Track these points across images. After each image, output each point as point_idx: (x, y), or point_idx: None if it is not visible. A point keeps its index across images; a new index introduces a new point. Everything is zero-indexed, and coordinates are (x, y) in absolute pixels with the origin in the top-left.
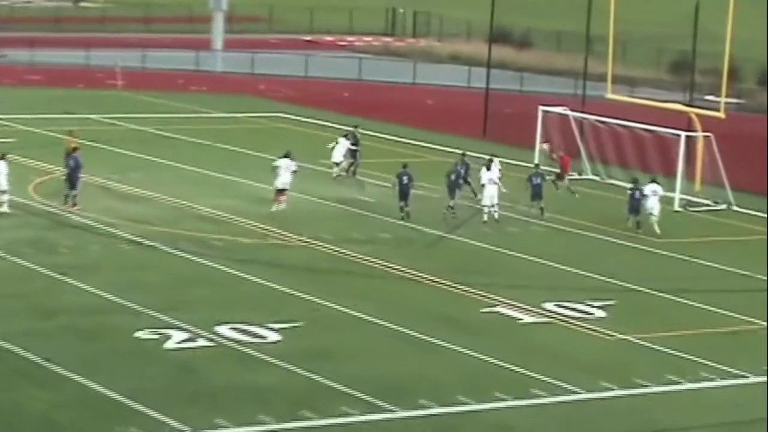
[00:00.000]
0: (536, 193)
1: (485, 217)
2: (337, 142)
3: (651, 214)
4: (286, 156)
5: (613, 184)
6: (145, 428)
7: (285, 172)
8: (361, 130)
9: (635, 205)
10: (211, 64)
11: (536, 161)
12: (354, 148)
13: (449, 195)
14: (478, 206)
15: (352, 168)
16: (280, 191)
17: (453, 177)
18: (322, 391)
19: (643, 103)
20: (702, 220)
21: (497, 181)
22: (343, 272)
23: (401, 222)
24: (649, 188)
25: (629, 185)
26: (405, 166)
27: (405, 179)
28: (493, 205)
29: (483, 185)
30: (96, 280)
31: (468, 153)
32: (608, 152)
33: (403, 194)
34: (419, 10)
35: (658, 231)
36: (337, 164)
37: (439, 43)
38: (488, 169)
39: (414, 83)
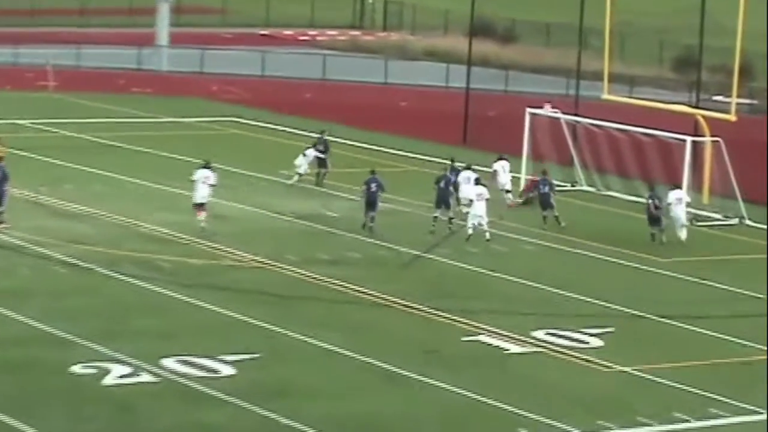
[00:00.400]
0: (545, 202)
1: (470, 231)
2: (304, 155)
3: (682, 225)
4: (205, 167)
5: (610, 196)
6: None
7: (202, 185)
8: (329, 137)
9: (655, 216)
10: (156, 63)
11: (542, 169)
12: (322, 156)
13: (438, 205)
14: (460, 222)
15: (319, 178)
16: (199, 206)
17: (443, 184)
18: None
19: (643, 104)
20: (711, 236)
21: (488, 196)
22: (305, 297)
23: (370, 239)
24: (673, 195)
25: (647, 195)
26: (373, 172)
27: (373, 186)
28: (480, 224)
29: (470, 201)
30: (26, 308)
31: (456, 161)
32: (605, 160)
33: (370, 203)
34: (391, 0)
35: (684, 238)
36: (300, 175)
37: (414, 38)
38: (477, 183)
39: (385, 83)
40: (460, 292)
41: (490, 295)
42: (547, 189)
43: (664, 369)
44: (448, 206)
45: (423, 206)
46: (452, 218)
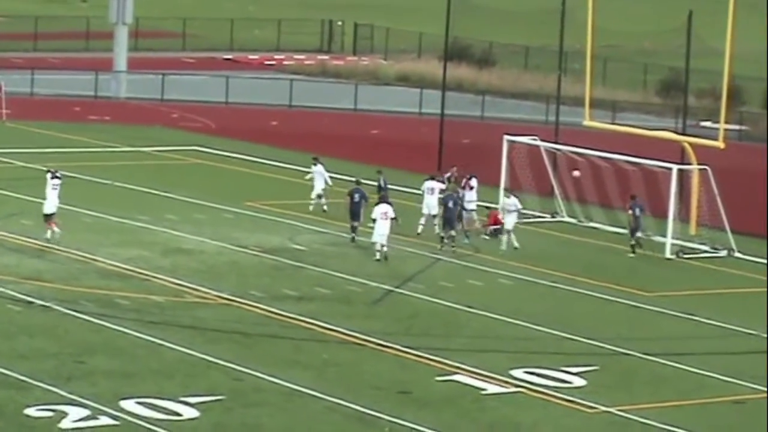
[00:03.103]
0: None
1: (377, 256)
2: (311, 171)
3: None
4: (49, 172)
5: (592, 228)
6: None
7: (52, 192)
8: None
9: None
10: (114, 89)
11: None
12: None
13: (446, 226)
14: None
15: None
16: (49, 216)
17: (451, 204)
18: None
19: (627, 131)
20: (699, 269)
21: (393, 215)
22: (272, 335)
23: (339, 274)
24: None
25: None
26: (358, 183)
27: (357, 197)
28: (383, 244)
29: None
30: None
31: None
32: (587, 189)
33: (355, 214)
34: (361, 22)
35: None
36: (320, 196)
37: (386, 62)
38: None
39: (356, 109)
40: (435, 329)
41: (465, 333)
42: (451, 204)
43: (651, 409)
44: (452, 226)
45: (395, 238)
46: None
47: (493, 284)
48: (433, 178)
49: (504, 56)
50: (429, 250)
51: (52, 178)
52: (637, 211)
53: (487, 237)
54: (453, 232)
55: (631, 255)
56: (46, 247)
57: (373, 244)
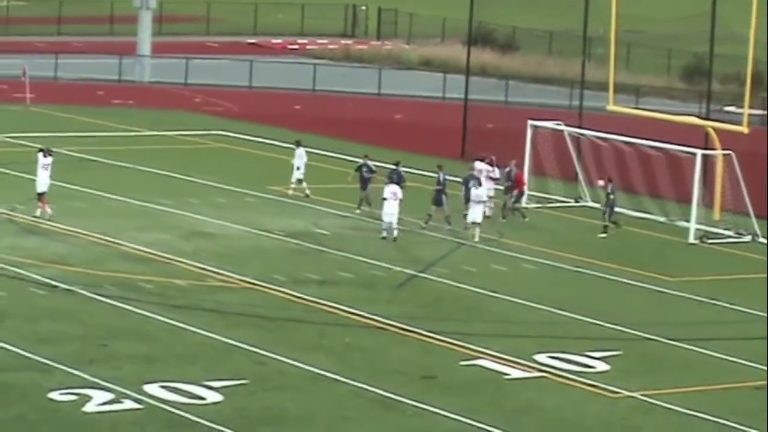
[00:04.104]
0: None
1: (384, 234)
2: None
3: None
4: (41, 151)
5: (616, 212)
6: None
7: (43, 171)
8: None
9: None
10: (137, 73)
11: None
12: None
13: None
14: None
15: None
16: (41, 195)
17: (470, 185)
18: None
19: (651, 116)
20: (723, 254)
21: (401, 197)
22: (295, 320)
23: (362, 258)
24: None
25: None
26: (366, 156)
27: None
28: (391, 223)
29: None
30: (1, 331)
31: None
32: (610, 174)
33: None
34: (385, 7)
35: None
36: (300, 181)
37: (409, 47)
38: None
39: (379, 94)
40: (458, 314)
41: (489, 317)
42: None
43: (674, 394)
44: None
45: (418, 224)
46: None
47: (517, 269)
48: (482, 160)
49: (527, 41)
50: (452, 234)
51: (44, 156)
52: (611, 196)
53: (513, 209)
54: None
55: (603, 235)
56: (70, 230)
57: (389, 224)
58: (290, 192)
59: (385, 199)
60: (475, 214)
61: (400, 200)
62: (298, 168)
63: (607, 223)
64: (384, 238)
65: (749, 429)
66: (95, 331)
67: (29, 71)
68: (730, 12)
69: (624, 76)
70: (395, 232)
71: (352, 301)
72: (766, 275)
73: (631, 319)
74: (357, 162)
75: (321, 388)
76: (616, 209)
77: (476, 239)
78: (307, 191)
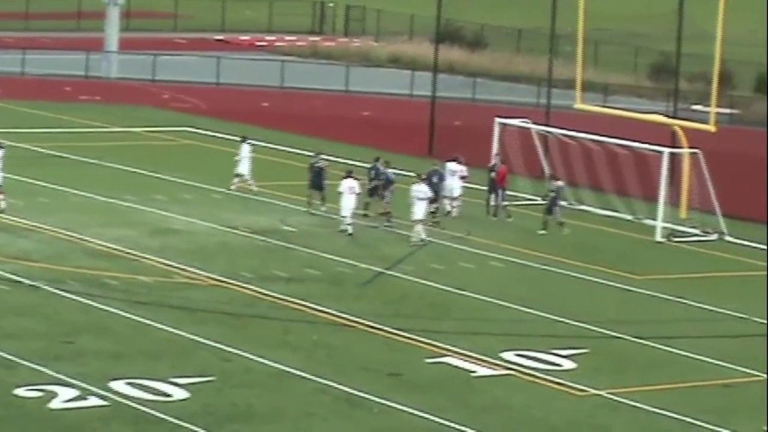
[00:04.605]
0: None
1: (344, 227)
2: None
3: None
4: None
5: (584, 211)
6: None
7: None
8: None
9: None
10: (105, 69)
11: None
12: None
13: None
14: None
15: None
16: None
17: (435, 179)
18: None
19: (618, 114)
20: (689, 252)
21: (359, 191)
22: (261, 317)
23: (328, 255)
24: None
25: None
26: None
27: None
28: (345, 217)
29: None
30: None
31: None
32: (578, 173)
33: (316, 185)
34: (352, 4)
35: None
36: (239, 176)
37: (377, 44)
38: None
39: (347, 91)
40: (425, 311)
41: (456, 315)
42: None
43: (641, 392)
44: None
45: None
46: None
47: (484, 267)
48: (455, 160)
49: (496, 39)
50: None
51: None
52: (553, 192)
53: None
54: (436, 207)
55: (542, 232)
56: (35, 226)
57: (344, 218)
58: (233, 187)
59: (341, 193)
60: (419, 211)
61: (357, 194)
62: (240, 162)
63: (547, 219)
64: (342, 230)
65: (715, 427)
66: (60, 327)
67: None
68: (697, 10)
69: (592, 74)
70: (350, 228)
71: (319, 299)
72: (766, 276)
73: (598, 317)
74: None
75: (287, 385)
76: (561, 204)
77: (422, 236)
78: (254, 187)
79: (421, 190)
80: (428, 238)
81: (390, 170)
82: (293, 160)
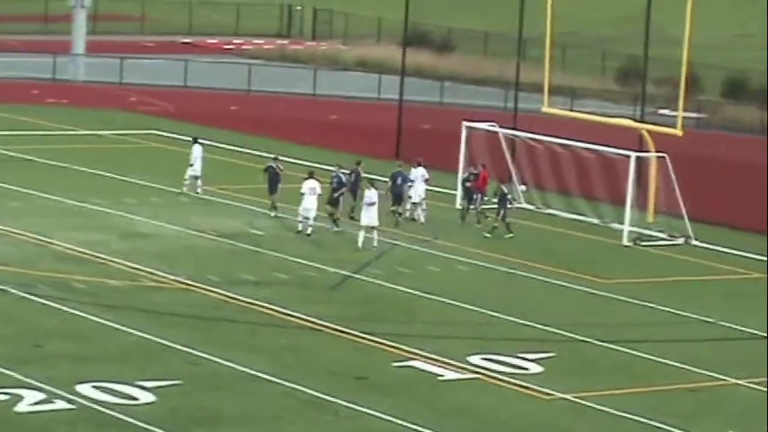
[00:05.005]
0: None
1: (300, 227)
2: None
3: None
4: None
5: (551, 214)
6: None
7: None
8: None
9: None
10: (72, 72)
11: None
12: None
13: (395, 202)
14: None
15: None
16: None
17: (399, 180)
18: None
19: (585, 118)
20: (656, 256)
21: (320, 192)
22: (229, 320)
23: (295, 259)
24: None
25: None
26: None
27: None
28: (307, 218)
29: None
30: None
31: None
32: (545, 176)
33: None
34: (320, 7)
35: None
36: (197, 178)
37: (345, 47)
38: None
39: (314, 94)
40: (392, 314)
41: (423, 318)
42: (400, 181)
43: (607, 396)
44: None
45: (353, 224)
46: (400, 213)
47: (451, 270)
48: (420, 165)
49: (463, 42)
50: (388, 236)
51: None
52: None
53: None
54: (400, 209)
55: (488, 235)
56: (3, 230)
57: (305, 219)
58: (184, 189)
59: (303, 194)
60: (370, 217)
61: (318, 195)
62: (192, 165)
63: (496, 224)
64: (299, 232)
65: (681, 431)
66: (28, 330)
67: None
68: (664, 14)
69: (559, 78)
70: (309, 229)
71: (287, 302)
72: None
73: (564, 320)
74: (298, 164)
75: (254, 388)
76: (510, 207)
77: (374, 244)
78: (200, 189)
79: (372, 195)
80: (376, 245)
81: (343, 173)
82: (260, 163)
